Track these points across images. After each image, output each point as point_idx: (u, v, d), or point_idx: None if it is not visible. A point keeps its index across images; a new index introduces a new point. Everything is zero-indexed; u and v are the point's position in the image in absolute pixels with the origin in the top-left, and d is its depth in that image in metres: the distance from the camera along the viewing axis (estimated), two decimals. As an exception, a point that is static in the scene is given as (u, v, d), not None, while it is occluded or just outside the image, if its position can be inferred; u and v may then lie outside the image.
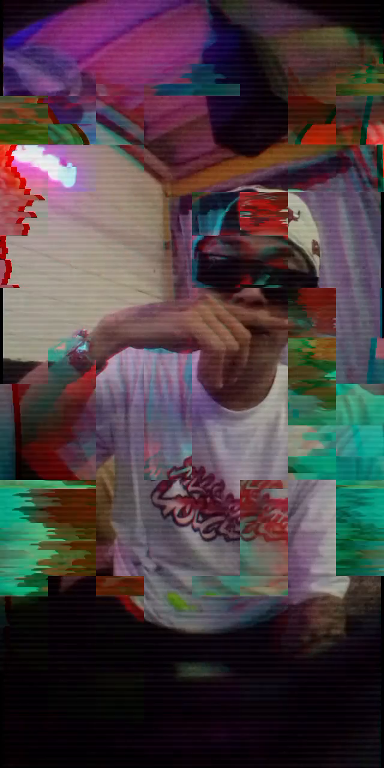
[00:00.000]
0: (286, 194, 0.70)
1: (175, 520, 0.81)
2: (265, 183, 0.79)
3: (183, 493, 0.80)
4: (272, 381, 0.81)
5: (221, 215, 0.75)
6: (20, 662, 0.34)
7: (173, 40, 2.35)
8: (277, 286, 0.69)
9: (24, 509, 0.54)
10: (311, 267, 0.73)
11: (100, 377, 0.75)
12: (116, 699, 0.33)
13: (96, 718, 0.32)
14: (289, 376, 0.63)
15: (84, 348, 0.69)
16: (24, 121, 0.64)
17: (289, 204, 0.71)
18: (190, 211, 3.50)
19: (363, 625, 0.66)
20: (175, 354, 0.81)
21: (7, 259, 0.69)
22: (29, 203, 0.67)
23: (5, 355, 0.76)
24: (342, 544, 0.54)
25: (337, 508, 0.55)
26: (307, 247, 0.72)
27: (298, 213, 0.71)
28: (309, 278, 0.73)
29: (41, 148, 2.38)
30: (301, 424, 0.63)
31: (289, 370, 0.63)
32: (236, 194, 0.75)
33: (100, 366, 0.72)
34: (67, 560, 0.53)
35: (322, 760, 0.31)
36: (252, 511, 0.81)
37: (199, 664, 0.73)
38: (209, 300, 0.66)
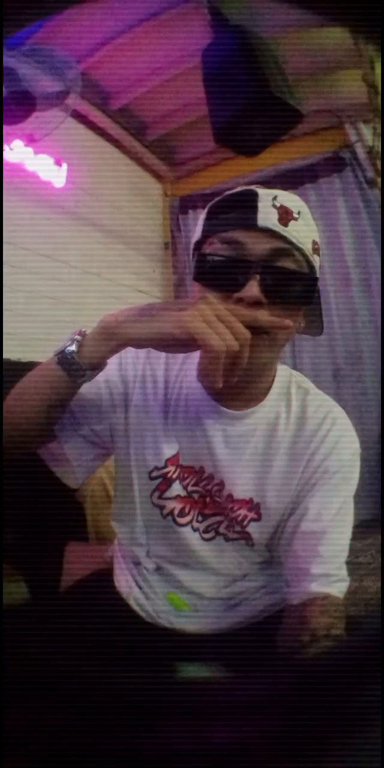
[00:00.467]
0: None
1: (174, 520, 0.81)
2: (264, 183, 0.79)
3: (182, 493, 0.80)
4: (272, 381, 0.81)
5: (202, 216, 0.76)
6: (20, 662, 0.34)
7: (173, 40, 2.35)
8: (276, 287, 0.69)
9: None
10: (311, 267, 0.73)
11: (100, 377, 0.75)
12: (116, 699, 0.33)
13: (96, 718, 0.32)
14: None
15: (73, 348, 0.70)
16: None
17: (289, 204, 0.71)
18: (190, 211, 3.51)
19: (363, 625, 0.66)
20: (162, 354, 0.81)
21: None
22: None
23: (5, 355, 0.76)
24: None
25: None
26: (307, 247, 0.72)
27: (298, 213, 0.71)
28: (309, 278, 0.73)
29: (31, 148, 2.38)
30: None
31: None
32: (217, 194, 0.75)
33: (99, 366, 0.72)
34: None
35: (322, 760, 0.31)
36: (217, 512, 0.81)
37: (197, 664, 0.74)
38: (209, 300, 0.66)
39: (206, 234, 0.74)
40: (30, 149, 2.40)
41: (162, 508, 0.82)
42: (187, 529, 0.81)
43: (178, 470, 0.80)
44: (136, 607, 0.86)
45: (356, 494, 0.78)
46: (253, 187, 0.73)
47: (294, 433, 0.79)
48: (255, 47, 1.48)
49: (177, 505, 0.81)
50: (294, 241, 0.70)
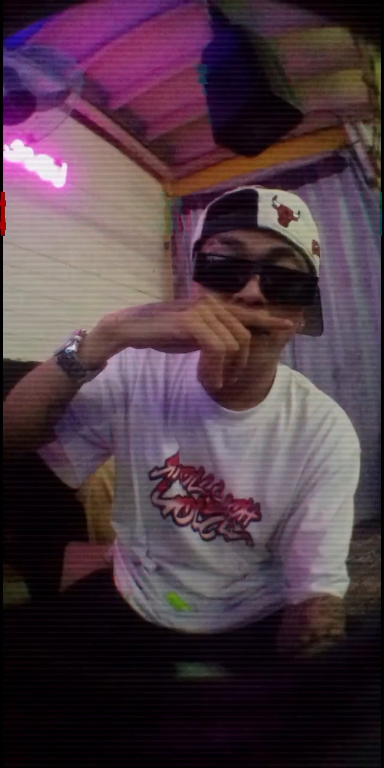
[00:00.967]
0: None
1: (174, 520, 0.81)
2: (264, 183, 0.79)
3: (182, 493, 0.80)
4: (272, 381, 0.81)
5: (202, 216, 0.76)
6: (20, 662, 0.34)
7: (173, 40, 2.35)
8: (276, 287, 0.69)
9: None
10: (311, 267, 0.73)
11: (100, 377, 0.75)
12: (116, 699, 0.33)
13: (96, 718, 0.32)
14: None
15: (73, 348, 0.70)
16: None
17: (289, 204, 0.71)
18: (190, 211, 3.51)
19: (363, 625, 0.66)
20: (162, 354, 0.81)
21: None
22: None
23: (5, 355, 0.76)
24: None
25: None
26: (307, 247, 0.72)
27: (298, 213, 0.71)
28: (309, 278, 0.73)
29: (31, 148, 2.38)
30: None
31: None
32: (217, 194, 0.75)
33: (99, 366, 0.72)
34: None
35: (322, 760, 0.31)
36: (217, 512, 0.81)
37: (197, 664, 0.73)
38: (209, 300, 0.66)
39: (206, 234, 0.74)
40: (30, 149, 2.40)
41: (162, 508, 0.82)
42: (187, 529, 0.81)
43: (178, 470, 0.80)
44: (136, 607, 0.86)
45: (356, 494, 0.78)
46: (253, 187, 0.73)
47: (294, 433, 0.79)
48: (255, 47, 1.49)
49: (177, 505, 0.81)
50: (294, 241, 0.70)
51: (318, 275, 0.75)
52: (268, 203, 0.70)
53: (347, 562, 0.76)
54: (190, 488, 0.81)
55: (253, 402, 0.80)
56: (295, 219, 0.71)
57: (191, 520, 0.81)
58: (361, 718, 0.32)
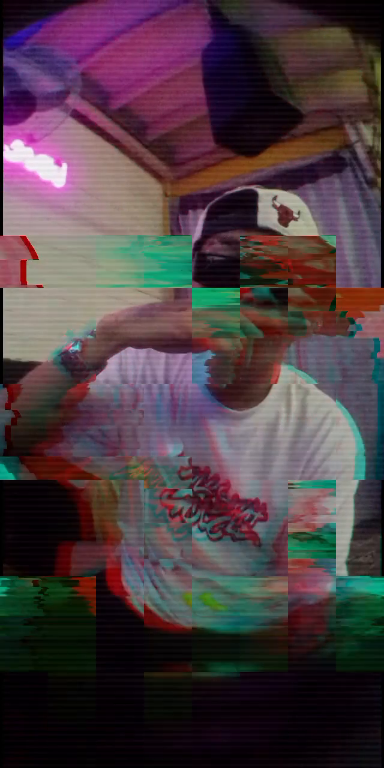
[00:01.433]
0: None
1: (181, 520, 0.81)
2: (264, 183, 0.79)
3: (189, 493, 0.80)
4: (273, 381, 0.81)
5: (203, 216, 0.76)
6: (20, 662, 0.34)
7: (172, 40, 2.35)
8: (281, 287, 0.69)
9: None
10: None
11: (100, 377, 0.75)
12: (116, 699, 0.33)
13: (96, 718, 0.32)
14: None
15: (77, 348, 0.69)
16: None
17: (289, 204, 0.71)
18: (190, 211, 3.50)
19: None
20: (162, 354, 0.81)
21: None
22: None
23: (5, 355, 0.76)
24: None
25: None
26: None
27: (298, 213, 0.71)
28: None
29: (31, 148, 2.38)
30: None
31: None
32: (217, 194, 0.75)
33: (100, 366, 0.72)
34: None
35: (322, 760, 0.31)
36: (224, 512, 0.81)
37: (203, 664, 0.73)
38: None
39: (206, 234, 0.74)
40: (30, 149, 2.39)
41: (168, 508, 0.82)
42: (194, 529, 0.81)
43: (183, 470, 0.81)
44: (152, 607, 0.86)
45: (356, 494, 0.78)
46: (253, 187, 0.73)
47: (294, 434, 0.79)
48: (255, 47, 1.48)
49: (184, 505, 0.81)
50: None
51: None
52: (268, 203, 0.70)
53: (347, 562, 0.76)
54: (196, 488, 0.81)
55: (254, 402, 0.80)
56: (296, 219, 0.71)
57: (198, 521, 0.81)
58: (361, 718, 0.32)
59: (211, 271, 0.72)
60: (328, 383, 2.83)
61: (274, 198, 0.71)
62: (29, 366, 0.74)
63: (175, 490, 0.81)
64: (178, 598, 0.85)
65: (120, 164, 3.21)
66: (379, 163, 2.87)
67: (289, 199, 0.72)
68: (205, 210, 0.77)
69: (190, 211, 3.52)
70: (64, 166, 2.64)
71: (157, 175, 3.57)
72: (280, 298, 0.69)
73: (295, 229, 0.71)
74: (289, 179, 3.05)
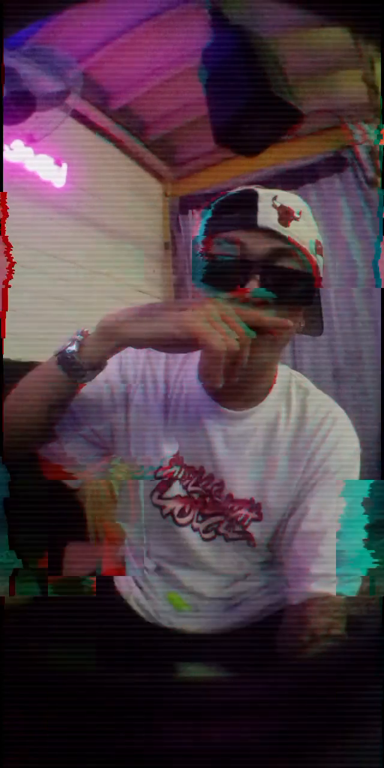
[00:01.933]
0: None
1: (174, 520, 0.81)
2: (265, 183, 0.79)
3: (183, 493, 0.80)
4: (272, 381, 0.81)
5: (205, 216, 0.76)
6: (20, 662, 0.34)
7: (173, 40, 2.35)
8: (277, 287, 0.69)
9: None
10: (313, 267, 0.73)
11: (100, 377, 0.75)
12: (116, 699, 0.33)
13: (96, 718, 0.32)
14: None
15: (73, 348, 0.70)
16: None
17: (290, 204, 0.71)
18: (190, 211, 3.50)
19: (364, 624, 0.66)
20: (162, 354, 0.81)
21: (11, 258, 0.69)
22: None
23: (5, 355, 0.76)
24: None
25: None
26: (309, 247, 0.72)
27: (299, 213, 0.71)
28: (309, 278, 0.73)
29: (31, 148, 2.38)
30: None
31: None
32: (216, 194, 0.75)
33: (99, 366, 0.72)
34: None
35: (322, 760, 0.31)
36: (217, 512, 0.81)
37: (197, 664, 0.74)
38: (211, 300, 0.66)
39: (206, 234, 0.74)
40: (30, 149, 2.39)
41: (162, 507, 0.82)
42: (187, 529, 0.81)
43: (179, 470, 0.80)
44: (136, 607, 0.86)
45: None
46: (253, 187, 0.73)
47: (294, 433, 0.79)
48: (255, 47, 1.48)
49: (177, 505, 0.81)
50: (295, 241, 0.70)
51: (322, 275, 0.75)
52: (269, 203, 0.70)
53: (347, 562, 0.76)
54: (190, 488, 0.81)
55: (253, 402, 0.80)
56: (296, 219, 0.71)
57: (191, 520, 0.81)
58: (361, 718, 0.32)
59: (210, 271, 0.72)
60: (324, 384, 2.83)
61: (275, 198, 0.71)
62: (29, 366, 0.74)
63: (168, 490, 0.81)
64: (161, 597, 0.85)
65: (120, 164, 3.21)
66: (379, 162, 2.86)
67: (289, 199, 0.72)
68: (205, 210, 0.77)
69: (190, 211, 3.52)
70: (64, 166, 2.64)
71: (157, 175, 3.57)
72: (275, 298, 0.69)
73: (295, 228, 0.71)
74: (290, 179, 3.05)
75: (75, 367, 0.69)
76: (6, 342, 0.77)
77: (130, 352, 0.80)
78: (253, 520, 0.79)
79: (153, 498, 0.82)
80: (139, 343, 0.70)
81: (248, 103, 1.49)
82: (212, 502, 0.81)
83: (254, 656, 0.75)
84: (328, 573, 0.73)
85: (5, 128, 1.99)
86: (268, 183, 0.87)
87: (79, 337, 0.70)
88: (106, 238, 2.99)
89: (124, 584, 0.88)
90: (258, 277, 0.68)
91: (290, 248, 0.70)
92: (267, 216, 0.69)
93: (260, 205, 0.70)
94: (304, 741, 0.31)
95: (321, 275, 0.75)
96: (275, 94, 1.48)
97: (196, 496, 0.81)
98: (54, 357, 0.71)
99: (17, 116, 1.91)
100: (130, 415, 0.82)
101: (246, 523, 0.80)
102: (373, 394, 2.87)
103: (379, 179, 2.90)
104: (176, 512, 0.81)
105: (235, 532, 0.81)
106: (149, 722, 0.31)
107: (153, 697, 0.33)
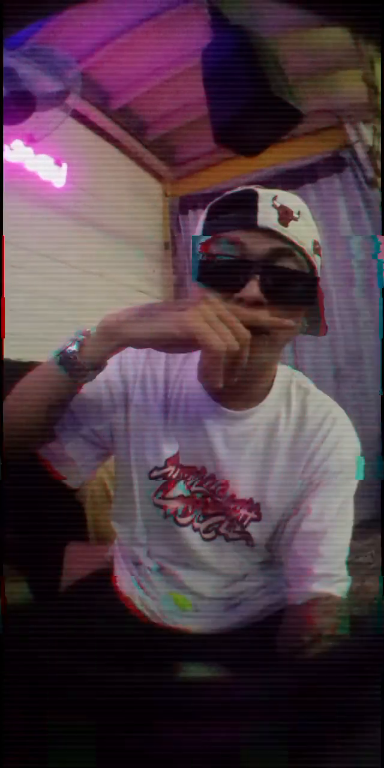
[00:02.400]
0: None
1: (175, 520, 0.81)
2: (264, 183, 0.79)
3: (185, 493, 0.80)
4: (272, 381, 0.81)
5: (205, 216, 0.76)
6: (20, 662, 0.34)
7: (173, 40, 2.35)
8: (277, 287, 0.69)
9: None
10: (312, 267, 0.73)
11: (100, 377, 0.75)
12: (117, 699, 0.33)
13: (96, 718, 0.32)
14: None
15: (74, 348, 0.70)
16: None
17: (289, 204, 0.71)
18: (190, 211, 3.50)
19: (364, 624, 0.66)
20: (162, 354, 0.81)
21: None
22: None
23: (5, 355, 0.76)
24: None
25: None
26: (308, 247, 0.72)
27: (299, 213, 0.71)
28: (309, 278, 0.73)
29: (31, 148, 2.38)
30: None
31: None
32: (217, 194, 0.75)
33: (99, 366, 0.72)
34: None
35: (322, 760, 0.31)
36: (218, 512, 0.81)
37: (198, 664, 0.73)
38: (210, 300, 0.66)
39: (206, 234, 0.74)
40: (30, 149, 2.40)
41: (163, 508, 0.82)
42: (188, 529, 0.81)
43: (179, 470, 0.80)
44: (141, 607, 0.86)
45: (356, 494, 0.78)
46: (253, 187, 0.73)
47: (294, 433, 0.79)
48: (255, 47, 1.48)
49: (179, 506, 0.81)
50: (294, 240, 0.70)
51: (319, 275, 0.75)
52: (268, 203, 0.70)
53: (348, 562, 0.76)
54: (192, 488, 0.81)
55: (254, 402, 0.80)
56: (296, 219, 0.71)
57: (192, 521, 0.81)
58: (361, 718, 0.32)
59: (212, 272, 0.72)
60: (325, 384, 2.83)
61: (274, 198, 0.71)
62: (29, 366, 0.74)
63: (170, 490, 0.81)
64: (163, 597, 0.85)
65: (120, 164, 3.21)
66: (379, 163, 2.87)
67: (289, 199, 0.72)
68: (205, 210, 0.77)
69: (190, 211, 3.52)
70: (65, 166, 2.64)
71: (157, 175, 3.57)
72: (269, 299, 0.69)
73: (295, 228, 0.71)
74: (289, 179, 3.05)
75: (76, 367, 0.69)
76: (5, 342, 0.77)
77: (129, 352, 0.80)
78: (253, 520, 0.79)
79: (155, 498, 0.82)
80: (139, 343, 0.70)
81: (248, 103, 1.49)
82: (213, 503, 0.81)
83: (254, 656, 0.75)
84: (330, 573, 0.73)
85: (5, 128, 2.00)
86: (268, 183, 0.87)
87: (80, 337, 0.70)
88: (105, 238, 2.99)
89: (125, 584, 0.88)
90: (258, 277, 0.68)
91: (290, 248, 0.70)
92: (267, 216, 0.69)
93: (260, 205, 0.70)
94: (304, 741, 0.31)
95: (319, 275, 0.75)
96: (275, 94, 1.47)
97: (198, 496, 0.81)
98: (54, 357, 0.71)
99: (17, 116, 1.91)
100: (129, 415, 0.82)
101: (245, 523, 0.80)
102: (374, 394, 2.87)
103: (379, 179, 2.91)
104: (178, 512, 0.81)
105: (235, 532, 0.81)
106: (150, 722, 0.31)
107: (155, 697, 0.33)
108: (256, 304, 0.68)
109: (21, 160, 2.41)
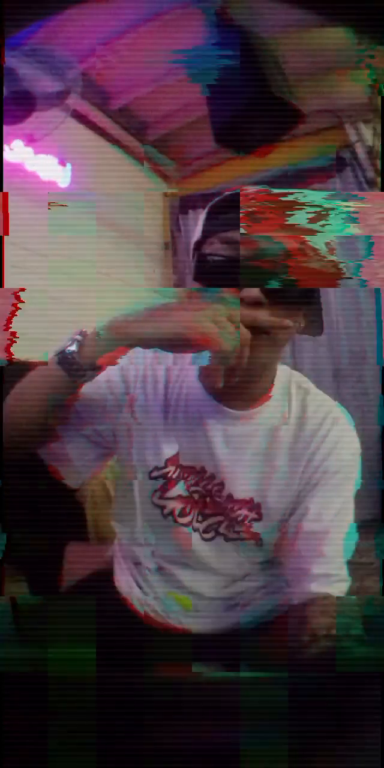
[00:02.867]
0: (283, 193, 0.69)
1: (174, 520, 0.81)
2: (266, 183, 0.79)
3: (184, 493, 0.80)
4: (273, 381, 0.81)
5: (204, 216, 0.76)
6: (20, 662, 0.34)
7: (173, 41, 2.35)
8: (276, 287, 0.69)
9: None
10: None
11: (102, 377, 0.75)
12: (117, 699, 0.33)
13: (96, 718, 0.32)
14: None
15: (73, 349, 0.70)
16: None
17: None
18: (190, 211, 3.50)
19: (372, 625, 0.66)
20: (163, 354, 0.81)
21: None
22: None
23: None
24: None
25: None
26: (322, 248, 0.71)
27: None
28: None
29: (31, 148, 2.39)
30: None
31: None
32: (216, 194, 0.75)
33: (99, 366, 0.72)
34: None
35: (322, 760, 0.31)
36: (218, 512, 0.81)
37: (197, 664, 0.73)
38: (217, 301, 0.66)
39: (206, 234, 0.74)
40: (30, 149, 2.40)
41: (162, 508, 0.82)
42: (187, 529, 0.81)
43: (179, 470, 0.80)
44: (140, 608, 0.86)
45: (357, 494, 0.78)
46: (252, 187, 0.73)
47: (294, 433, 0.79)
48: (255, 47, 1.48)
49: (178, 505, 0.81)
50: (309, 242, 0.70)
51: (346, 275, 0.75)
52: None
53: (349, 562, 0.76)
54: (191, 488, 0.81)
55: (254, 402, 0.80)
56: None
57: (191, 520, 0.81)
58: (361, 718, 0.32)
59: (210, 271, 0.72)
60: (325, 384, 2.83)
61: None
62: (29, 366, 0.74)
63: (169, 490, 0.81)
64: (162, 597, 0.85)
65: (120, 164, 3.21)
66: (379, 163, 2.86)
67: None
68: (205, 210, 0.77)
69: (190, 211, 3.52)
70: (69, 166, 2.64)
71: (157, 175, 3.57)
72: (269, 299, 0.69)
73: None
74: (290, 179, 3.05)
75: (74, 367, 0.70)
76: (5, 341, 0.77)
77: (131, 353, 0.80)
78: (253, 520, 0.79)
79: (154, 498, 0.82)
80: (148, 343, 0.70)
81: (248, 103, 1.49)
82: (212, 502, 0.81)
83: (254, 656, 0.75)
84: (329, 573, 0.73)
85: (5, 128, 1.99)
86: (269, 183, 0.87)
87: (79, 338, 0.70)
88: (105, 238, 2.99)
89: (124, 584, 0.88)
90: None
91: (303, 248, 0.70)
92: None
93: None
94: (304, 741, 0.31)
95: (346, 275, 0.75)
96: (275, 94, 1.48)
97: (196, 496, 0.81)
98: (54, 357, 0.71)
99: (17, 116, 1.91)
100: (132, 415, 0.82)
101: (246, 523, 0.80)
102: (374, 394, 2.87)
103: (379, 179, 2.90)
104: (177, 512, 0.81)
105: (235, 532, 0.81)
106: (149, 722, 0.32)
107: (152, 697, 0.33)
108: (255, 304, 0.68)
109: (21, 160, 2.41)
